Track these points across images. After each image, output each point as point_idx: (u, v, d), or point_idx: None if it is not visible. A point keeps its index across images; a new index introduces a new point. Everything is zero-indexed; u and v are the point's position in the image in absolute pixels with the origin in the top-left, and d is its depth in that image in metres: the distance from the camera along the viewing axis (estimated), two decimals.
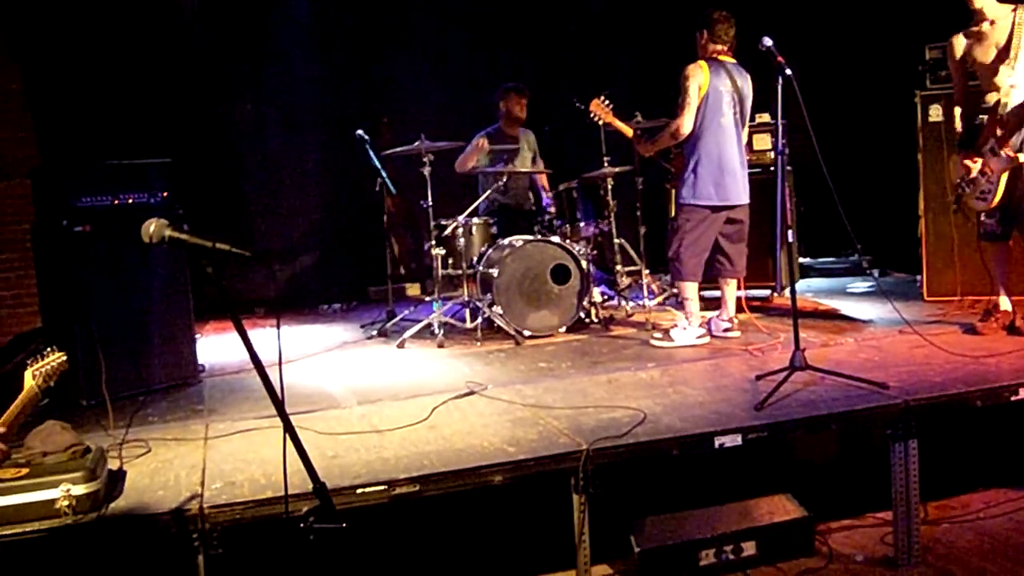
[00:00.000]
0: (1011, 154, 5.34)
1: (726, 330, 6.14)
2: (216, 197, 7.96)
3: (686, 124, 5.96)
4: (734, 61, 6.08)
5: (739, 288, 6.41)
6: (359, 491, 3.53)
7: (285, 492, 3.06)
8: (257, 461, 3.95)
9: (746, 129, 6.20)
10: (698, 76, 5.92)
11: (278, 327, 2.85)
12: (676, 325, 6.06)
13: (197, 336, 5.92)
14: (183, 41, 8.21)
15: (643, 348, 6.02)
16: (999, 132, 5.37)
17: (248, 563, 3.60)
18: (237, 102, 8.55)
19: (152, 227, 2.50)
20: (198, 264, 2.45)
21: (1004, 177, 5.39)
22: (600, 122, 6.58)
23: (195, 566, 3.38)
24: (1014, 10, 5.40)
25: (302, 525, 2.43)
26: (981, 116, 5.52)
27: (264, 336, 7.32)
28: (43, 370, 3.49)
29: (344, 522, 2.48)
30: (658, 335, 6.10)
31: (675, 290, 7.65)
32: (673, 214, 6.59)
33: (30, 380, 3.48)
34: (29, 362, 3.51)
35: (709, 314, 6.28)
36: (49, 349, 3.59)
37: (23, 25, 7.30)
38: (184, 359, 5.68)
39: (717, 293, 6.37)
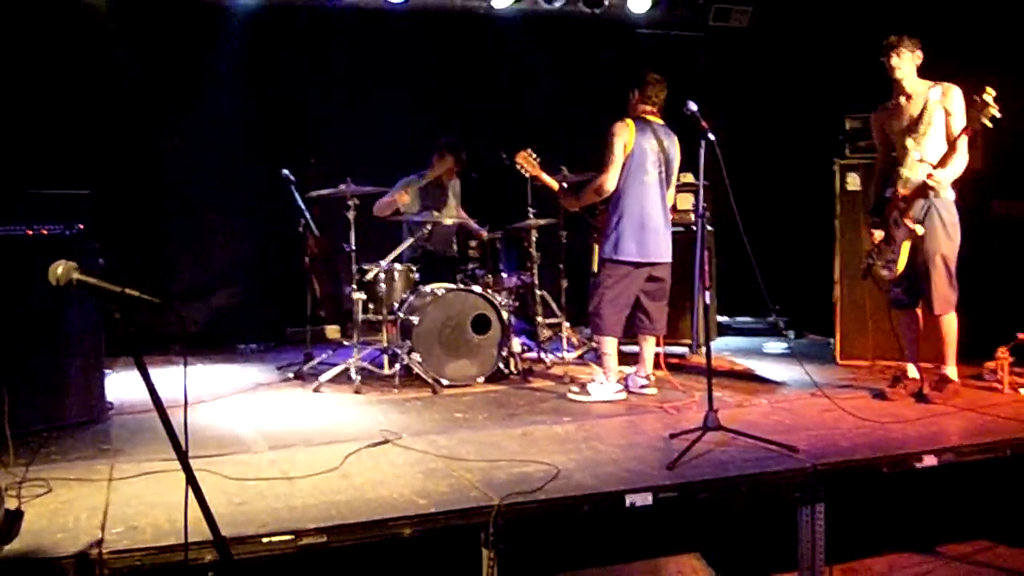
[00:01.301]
0: (910, 226, 5.51)
1: (643, 386, 6.17)
2: (136, 231, 7.81)
3: (610, 181, 6.00)
4: (662, 122, 6.16)
5: (657, 345, 6.45)
6: (264, 540, 3.46)
7: (185, 540, 2.96)
8: (162, 505, 3.84)
9: (672, 189, 6.25)
10: (624, 134, 5.98)
11: (184, 368, 2.80)
12: (594, 380, 6.07)
13: (108, 372, 5.77)
14: (109, 73, 8.08)
15: (560, 401, 6.03)
16: (901, 204, 5.54)
17: None
18: (163, 136, 8.40)
19: (60, 269, 2.44)
20: (106, 308, 2.39)
21: (905, 247, 5.55)
22: (526, 174, 6.59)
23: None
24: (931, 86, 5.58)
25: None
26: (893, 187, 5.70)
27: (178, 375, 7.17)
28: None
29: None
30: (575, 389, 6.11)
31: (595, 344, 7.71)
32: (596, 269, 6.64)
33: None
34: None
35: (627, 370, 6.32)
36: None
37: None
38: (92, 396, 5.52)
39: (636, 348, 6.41)
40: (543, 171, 6.53)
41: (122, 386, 6.38)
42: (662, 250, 6.09)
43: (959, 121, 5.48)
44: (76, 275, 2.43)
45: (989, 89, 5.03)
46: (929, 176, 5.41)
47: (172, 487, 4.11)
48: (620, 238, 6.01)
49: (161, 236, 8.41)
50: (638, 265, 6.05)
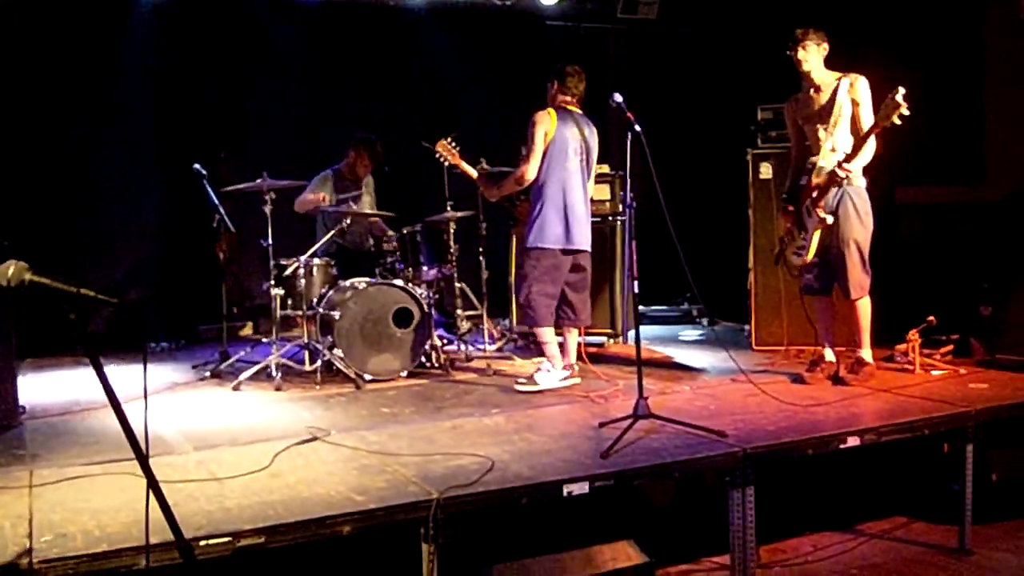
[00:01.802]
0: (821, 215, 5.64)
1: (565, 378, 6.12)
2: (43, 228, 7.57)
3: (531, 170, 6.02)
4: (581, 112, 6.20)
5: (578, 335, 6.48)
6: (202, 543, 3.36)
7: (147, 543, 2.88)
8: (89, 511, 3.72)
9: (592, 178, 6.29)
10: (545, 123, 6.01)
11: (144, 367, 2.71)
12: (540, 369, 6.04)
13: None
14: (13, 65, 7.80)
15: (486, 393, 6.03)
16: (814, 193, 5.67)
17: None
18: (71, 134, 8.16)
19: (11, 270, 2.33)
20: (59, 309, 2.30)
21: (817, 235, 5.69)
22: (446, 163, 6.61)
23: None
24: (839, 78, 5.71)
25: None
26: (804, 175, 5.84)
27: (89, 376, 6.97)
28: None
29: None
30: (522, 380, 6.05)
31: (514, 335, 7.76)
32: (518, 258, 6.65)
33: None
34: None
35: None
36: None
37: None
38: (4, 399, 5.34)
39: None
40: (462, 160, 6.51)
41: (32, 389, 6.19)
42: (585, 238, 6.13)
43: (867, 111, 5.63)
44: (28, 276, 2.33)
45: (900, 88, 5.16)
46: (839, 166, 5.53)
47: (97, 492, 4.01)
48: (545, 225, 6.03)
49: (69, 233, 8.16)
50: (564, 252, 6.07)
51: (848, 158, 5.53)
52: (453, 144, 6.53)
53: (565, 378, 6.04)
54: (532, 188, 6.10)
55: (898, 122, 5.22)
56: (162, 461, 4.45)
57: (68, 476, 4.24)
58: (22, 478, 4.24)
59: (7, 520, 3.65)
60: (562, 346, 6.29)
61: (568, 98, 6.16)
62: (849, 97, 5.67)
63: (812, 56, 5.71)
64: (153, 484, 2.42)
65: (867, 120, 5.60)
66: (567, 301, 6.21)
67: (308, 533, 3.57)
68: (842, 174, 5.53)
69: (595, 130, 6.23)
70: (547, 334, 6.10)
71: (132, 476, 4.15)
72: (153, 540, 3.14)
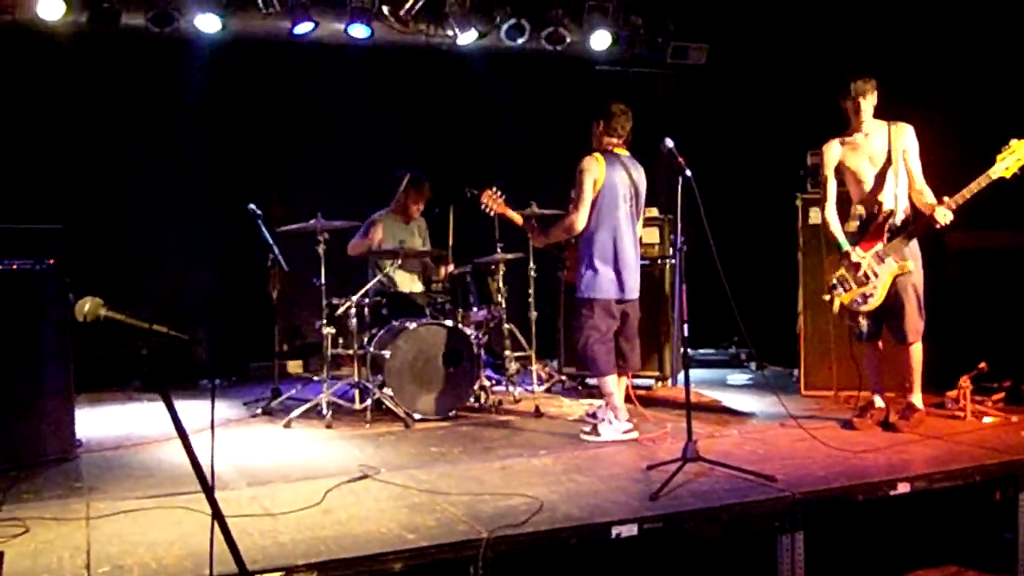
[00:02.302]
0: (900, 261, 5.64)
1: (627, 430, 5.88)
2: (101, 267, 7.72)
3: (580, 220, 5.93)
4: (628, 154, 6.10)
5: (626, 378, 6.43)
6: None
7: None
8: (145, 544, 3.82)
9: (641, 221, 6.22)
10: (594, 170, 5.89)
11: (212, 400, 2.79)
12: (604, 420, 5.91)
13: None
14: (73, 106, 8.05)
15: (533, 434, 6.08)
16: (886, 239, 5.66)
17: None
18: (129, 172, 8.37)
19: (87, 306, 2.43)
20: (133, 345, 2.38)
21: (887, 281, 5.67)
22: (491, 213, 6.52)
23: None
24: (891, 124, 5.75)
25: None
26: (852, 220, 5.84)
27: (141, 410, 7.13)
28: None
29: None
30: (587, 429, 5.97)
31: (562, 377, 7.80)
32: (565, 306, 6.65)
33: None
34: None
35: (596, 402, 6.33)
36: None
37: None
38: (62, 433, 5.46)
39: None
40: (508, 208, 6.45)
41: (87, 423, 6.30)
42: (634, 285, 6.04)
43: (916, 157, 5.74)
44: (104, 311, 2.42)
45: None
46: (936, 213, 5.50)
47: (153, 525, 4.10)
48: (597, 276, 5.93)
49: (125, 272, 8.32)
50: (617, 302, 5.99)
51: (950, 207, 5.52)
52: (498, 193, 6.44)
53: (628, 431, 5.85)
54: (582, 236, 6.03)
55: (1016, 173, 5.43)
56: (217, 496, 4.50)
57: (124, 509, 4.34)
58: (80, 510, 4.35)
59: (66, 551, 3.75)
60: None
61: (614, 140, 6.04)
62: (903, 144, 5.72)
63: (870, 105, 5.75)
64: (218, 516, 2.49)
65: (915, 166, 5.70)
66: (617, 347, 6.09)
67: (361, 569, 3.62)
68: (947, 221, 5.53)
69: (643, 172, 6.13)
70: (610, 383, 5.95)
71: (186, 510, 4.25)
72: (206, 573, 3.23)
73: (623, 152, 6.09)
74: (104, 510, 4.33)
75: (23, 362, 5.27)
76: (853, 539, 5.08)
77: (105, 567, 3.53)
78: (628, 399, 6.37)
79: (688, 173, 4.91)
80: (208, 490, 2.47)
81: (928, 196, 5.70)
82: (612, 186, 5.93)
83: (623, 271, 5.95)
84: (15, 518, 4.16)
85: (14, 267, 5.28)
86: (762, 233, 8.31)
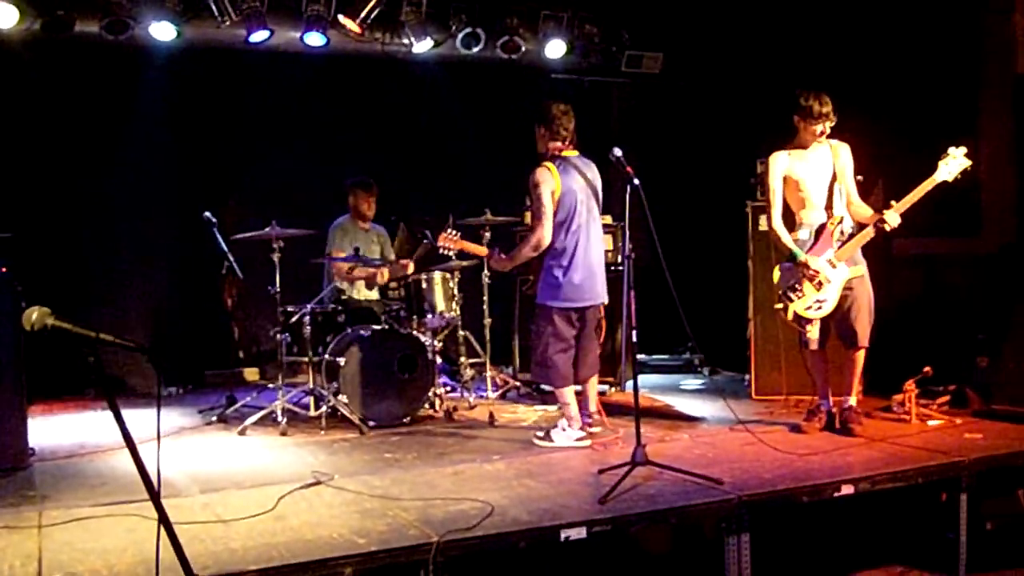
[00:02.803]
0: (852, 267, 5.79)
1: (580, 438, 5.87)
2: (54, 274, 7.69)
3: (547, 234, 5.79)
4: (577, 154, 5.95)
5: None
6: None
7: None
8: (97, 551, 3.83)
9: (601, 220, 6.06)
10: (549, 181, 5.77)
11: (158, 407, 2.78)
12: (556, 426, 5.92)
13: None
14: (29, 110, 8.01)
15: (487, 440, 6.13)
16: (836, 246, 5.77)
17: None
18: (84, 179, 8.34)
19: (35, 315, 2.45)
20: (79, 353, 2.41)
21: (841, 287, 5.79)
22: (451, 253, 6.41)
23: None
24: (834, 143, 5.92)
25: None
26: (798, 230, 5.95)
27: (96, 419, 7.11)
28: None
29: None
30: (540, 434, 5.97)
31: (516, 383, 7.86)
32: (525, 312, 6.65)
33: None
34: None
35: (551, 408, 6.35)
36: None
37: None
38: (14, 441, 5.45)
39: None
40: (466, 242, 6.27)
41: (40, 432, 6.28)
42: (598, 291, 5.93)
43: (851, 174, 5.97)
44: (51, 320, 2.45)
45: (962, 147, 5.69)
46: (881, 221, 5.68)
47: (105, 533, 4.12)
48: (560, 284, 5.83)
49: (79, 278, 8.29)
50: (578, 309, 5.90)
51: (898, 211, 5.67)
52: (453, 233, 6.27)
53: (580, 438, 5.82)
54: None
55: (958, 177, 5.65)
56: (169, 503, 4.46)
57: (76, 517, 4.35)
58: (32, 518, 4.35)
59: (17, 559, 3.76)
60: (580, 395, 6.09)
61: (559, 144, 5.91)
62: (843, 162, 5.91)
63: (829, 127, 5.86)
64: (165, 521, 2.51)
65: (851, 183, 5.95)
66: (577, 351, 5.99)
67: (310, 575, 3.65)
68: (896, 224, 5.67)
69: (595, 169, 5.98)
70: (566, 394, 5.90)
71: (139, 517, 4.26)
72: None
73: (572, 154, 5.96)
74: (57, 518, 4.34)
75: None
76: (800, 540, 5.16)
77: (57, 574, 3.54)
78: (592, 406, 6.21)
79: (636, 182, 4.99)
80: (154, 495, 2.51)
81: (865, 209, 5.90)
82: (570, 193, 5.81)
83: (584, 277, 5.84)
84: None
85: None
86: (713, 239, 8.44)
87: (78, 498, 4.75)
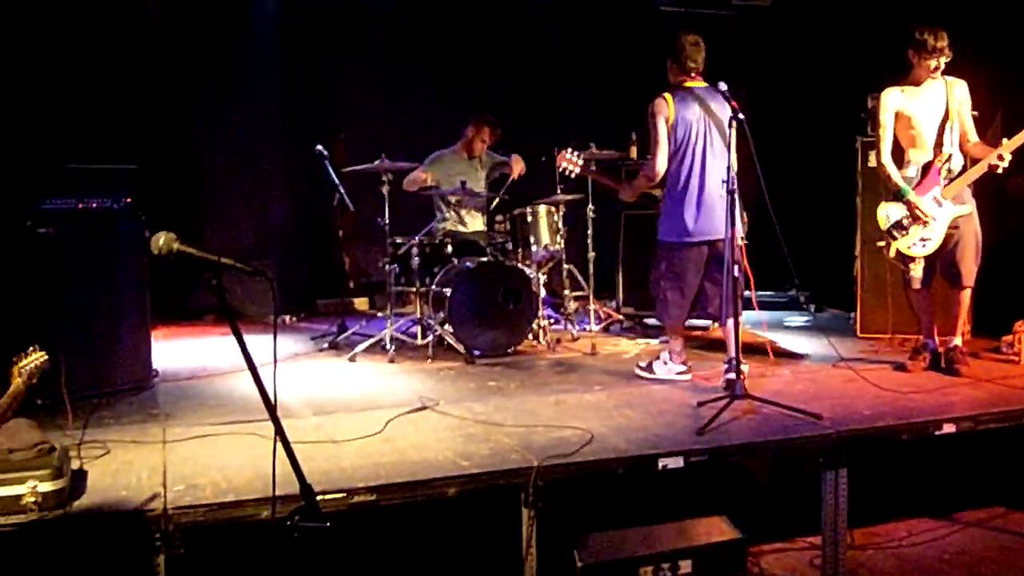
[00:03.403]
0: (958, 205, 5.69)
1: (680, 372, 5.85)
2: (171, 204, 7.98)
3: (660, 164, 5.64)
4: (705, 85, 5.73)
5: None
6: (318, 498, 3.64)
7: (273, 494, 3.18)
8: (216, 466, 4.05)
9: (732, 154, 5.39)
10: (663, 110, 5.62)
11: (275, 330, 2.96)
12: (659, 358, 5.93)
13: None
14: (145, 48, 8.28)
15: (589, 371, 6.22)
16: (943, 184, 5.68)
17: (208, 565, 3.71)
18: (200, 113, 8.63)
19: (161, 240, 2.62)
20: (202, 275, 2.58)
21: (946, 226, 5.70)
22: (572, 175, 6.33)
23: (154, 566, 3.49)
24: (949, 81, 5.77)
25: (288, 523, 2.57)
26: (906, 167, 5.86)
27: (215, 344, 7.43)
28: (27, 368, 3.59)
29: (328, 522, 2.62)
30: (642, 364, 5.99)
31: (619, 316, 7.93)
32: (622, 241, 6.64)
33: (16, 377, 3.58)
34: (15, 359, 3.60)
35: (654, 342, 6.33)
36: (32, 347, 3.67)
37: None
38: (139, 363, 5.75)
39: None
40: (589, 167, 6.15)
41: (162, 355, 6.59)
42: (717, 226, 5.51)
43: (969, 112, 5.83)
44: (176, 245, 2.61)
45: None
46: (999, 158, 5.55)
47: (224, 450, 4.35)
48: (671, 218, 5.69)
49: (194, 210, 8.62)
50: (693, 245, 5.65)
51: (1008, 148, 5.55)
52: (574, 154, 6.24)
53: (681, 372, 5.83)
54: (664, 179, 5.77)
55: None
56: (284, 424, 4.69)
57: (197, 435, 4.60)
58: (156, 435, 4.62)
59: (144, 471, 4.01)
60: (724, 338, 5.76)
61: (686, 76, 5.71)
62: (959, 99, 5.76)
63: (945, 63, 5.72)
64: (282, 436, 2.69)
65: (969, 121, 5.80)
66: (704, 292, 5.74)
67: (416, 493, 3.84)
68: (1005, 164, 5.57)
69: (725, 101, 5.45)
70: (672, 332, 5.86)
71: (255, 436, 4.50)
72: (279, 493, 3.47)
73: (699, 84, 5.74)
74: (179, 435, 4.60)
75: (103, 296, 5.53)
76: (901, 478, 5.18)
77: (180, 486, 3.77)
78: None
79: (741, 116, 4.97)
80: (272, 412, 2.67)
81: (983, 147, 5.74)
82: (685, 123, 5.62)
83: (700, 211, 5.59)
84: (96, 440, 4.43)
85: (93, 205, 5.54)
86: (822, 175, 8.30)
87: (199, 417, 5.02)
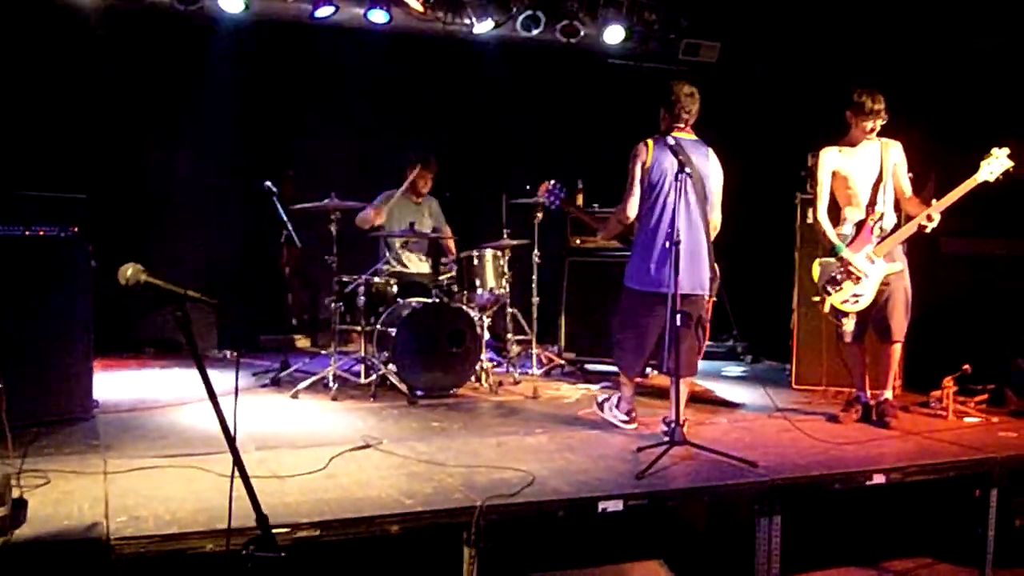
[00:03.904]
0: (890, 263, 5.90)
1: (625, 422, 5.83)
2: (118, 234, 7.95)
3: (631, 207, 5.65)
4: (694, 138, 5.70)
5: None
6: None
7: (228, 525, 3.21)
8: (159, 498, 4.05)
9: (716, 212, 5.73)
10: (642, 155, 5.60)
11: (237, 366, 2.97)
12: (609, 399, 5.98)
13: None
14: (97, 81, 8.28)
15: (530, 414, 6.30)
16: (875, 241, 5.88)
17: None
18: (151, 145, 8.62)
19: (129, 271, 2.66)
20: (166, 308, 2.63)
21: (878, 282, 5.90)
22: (552, 207, 6.36)
23: None
24: (885, 142, 6.02)
25: (244, 552, 2.60)
26: (842, 225, 6.08)
27: (155, 376, 7.39)
28: None
29: (283, 552, 2.65)
30: (600, 398, 6.07)
31: (561, 361, 8.02)
32: (565, 288, 6.69)
33: None
34: None
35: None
36: None
37: None
38: (81, 394, 5.70)
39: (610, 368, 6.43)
40: (572, 204, 6.16)
41: (103, 386, 6.53)
42: (687, 281, 5.39)
43: (905, 170, 6.07)
44: (144, 276, 2.66)
45: (1005, 148, 5.75)
46: (928, 218, 5.76)
47: (167, 482, 4.35)
48: (637, 265, 5.65)
49: (140, 242, 8.53)
50: (653, 295, 5.53)
51: (937, 209, 5.77)
52: (555, 185, 6.27)
53: (624, 421, 5.81)
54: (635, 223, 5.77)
55: (1000, 178, 5.72)
56: (227, 458, 4.70)
57: (139, 466, 4.59)
58: (97, 465, 4.60)
59: (86, 501, 3.99)
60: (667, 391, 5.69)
61: (676, 126, 5.64)
62: (894, 160, 6.00)
63: (880, 125, 5.95)
64: (239, 463, 2.73)
65: (905, 179, 6.04)
66: (662, 343, 5.48)
67: (359, 530, 3.88)
68: (934, 224, 5.77)
69: (710, 154, 5.68)
70: (625, 377, 5.85)
71: (197, 469, 4.51)
72: (219, 526, 3.50)
73: (686, 136, 5.66)
74: (120, 466, 4.58)
75: (47, 325, 5.48)
76: (832, 527, 5.31)
77: (122, 516, 3.77)
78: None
79: (687, 170, 5.12)
80: (231, 441, 2.72)
81: (919, 204, 5.95)
82: (661, 170, 5.54)
83: (666, 263, 5.34)
84: (37, 470, 4.39)
85: (40, 232, 5.49)
86: (762, 230, 8.51)
87: (140, 449, 5.00)
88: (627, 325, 5.74)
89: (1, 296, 5.31)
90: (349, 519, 3.87)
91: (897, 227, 5.96)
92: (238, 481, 3.63)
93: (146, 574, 3.58)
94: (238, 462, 2.80)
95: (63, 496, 4.06)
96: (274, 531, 3.63)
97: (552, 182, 6.30)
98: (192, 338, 2.69)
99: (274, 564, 2.64)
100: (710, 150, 5.46)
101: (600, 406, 6.03)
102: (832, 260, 6.02)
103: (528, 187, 6.68)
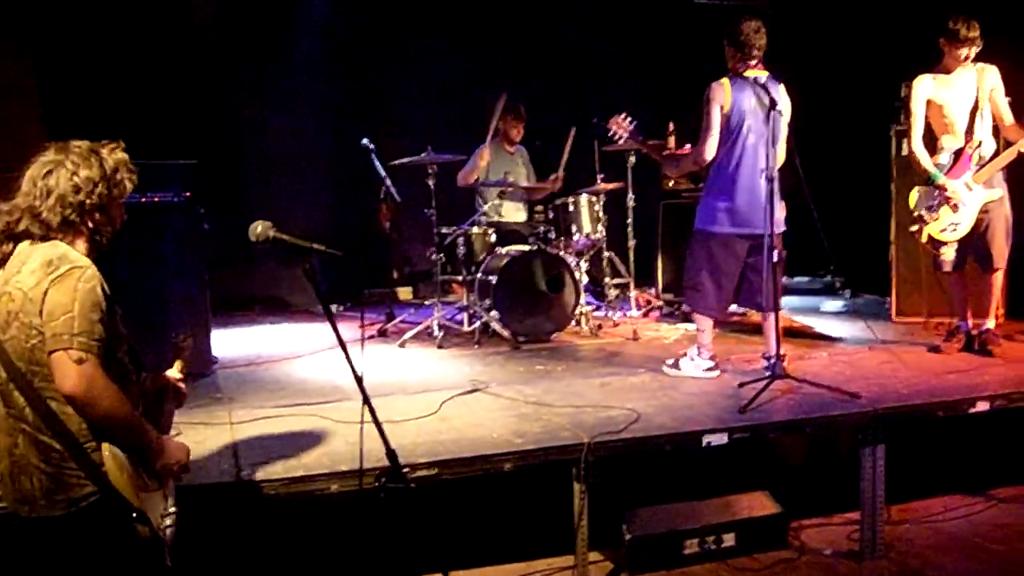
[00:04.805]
0: (988, 190, 5.84)
1: (708, 368, 5.68)
2: (222, 198, 8.24)
3: (709, 149, 5.49)
4: (766, 75, 5.53)
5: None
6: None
7: (360, 463, 3.46)
8: (284, 444, 4.31)
9: (782, 147, 5.54)
10: (719, 96, 5.45)
11: (362, 316, 3.15)
12: (685, 354, 5.75)
13: None
14: (193, 44, 8.54)
15: (631, 355, 6.41)
16: (974, 169, 5.83)
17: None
18: (245, 106, 8.88)
19: (259, 228, 2.86)
20: (297, 262, 2.81)
21: (976, 210, 5.86)
22: (621, 141, 6.11)
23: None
24: (980, 68, 5.91)
25: (376, 484, 2.79)
26: (938, 153, 6.02)
27: (264, 332, 7.78)
28: None
29: (412, 483, 2.85)
30: (670, 362, 5.79)
31: (659, 303, 8.11)
32: (660, 230, 6.72)
33: None
34: None
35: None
36: None
37: (39, 24, 7.53)
38: (200, 351, 5.98)
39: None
40: (640, 141, 6.07)
41: (219, 343, 6.83)
42: (761, 220, 5.31)
43: (1003, 95, 5.93)
44: (272, 232, 2.86)
45: None
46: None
47: (287, 429, 4.60)
48: (712, 207, 5.55)
49: (244, 204, 8.82)
50: (732, 236, 5.51)
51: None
52: (626, 120, 6.06)
53: (709, 368, 5.65)
54: (711, 165, 5.63)
55: None
56: (343, 406, 4.98)
57: (261, 416, 4.85)
58: (223, 417, 4.88)
59: (217, 450, 4.26)
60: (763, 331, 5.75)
61: (743, 63, 5.46)
62: (991, 85, 5.89)
63: (975, 52, 5.87)
64: (368, 403, 2.90)
65: (1004, 104, 5.91)
66: (747, 281, 5.58)
67: (475, 468, 4.07)
68: None
69: (782, 91, 5.53)
70: (701, 322, 5.72)
71: (317, 418, 4.75)
72: (344, 467, 3.73)
73: (759, 73, 5.51)
74: (244, 416, 4.85)
75: (163, 286, 5.74)
76: (936, 456, 5.34)
77: (252, 462, 4.03)
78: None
79: (778, 107, 5.14)
80: (360, 383, 2.93)
81: (1020, 129, 5.85)
82: (739, 112, 5.44)
83: (743, 204, 5.43)
84: None
85: (156, 199, 5.76)
86: (857, 163, 8.43)
87: (260, 400, 5.27)
88: (706, 268, 5.60)
89: (124, 261, 5.58)
90: (464, 458, 4.06)
91: (996, 154, 5.88)
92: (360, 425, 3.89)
93: (280, 515, 3.84)
94: (367, 401, 2.98)
95: (195, 445, 4.23)
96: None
97: (622, 115, 6.07)
98: (320, 290, 2.87)
99: (404, 495, 2.83)
100: (781, 85, 5.43)
101: (675, 366, 5.75)
102: (929, 189, 5.98)
103: (595, 120, 6.62)
